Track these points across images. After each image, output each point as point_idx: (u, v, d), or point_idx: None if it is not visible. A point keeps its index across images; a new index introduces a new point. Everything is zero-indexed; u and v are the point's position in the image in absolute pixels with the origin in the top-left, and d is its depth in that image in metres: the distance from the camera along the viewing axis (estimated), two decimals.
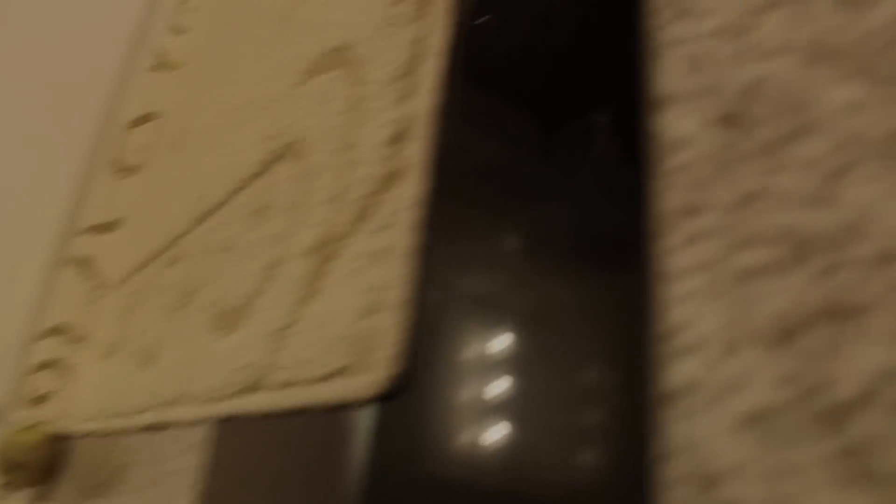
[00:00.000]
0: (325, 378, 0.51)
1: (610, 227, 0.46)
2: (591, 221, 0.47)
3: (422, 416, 0.52)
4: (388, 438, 0.55)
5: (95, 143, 1.60)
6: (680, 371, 0.34)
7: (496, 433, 0.47)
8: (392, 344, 0.47)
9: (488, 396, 0.49)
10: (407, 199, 0.51)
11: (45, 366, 1.39)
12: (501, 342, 0.50)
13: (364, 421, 0.56)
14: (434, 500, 0.51)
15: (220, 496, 0.70)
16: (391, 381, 0.47)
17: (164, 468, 0.81)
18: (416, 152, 0.52)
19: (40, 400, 1.38)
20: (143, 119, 1.56)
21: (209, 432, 0.74)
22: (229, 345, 0.70)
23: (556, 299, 0.46)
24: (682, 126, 0.39)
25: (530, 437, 0.44)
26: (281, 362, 0.59)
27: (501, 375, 0.49)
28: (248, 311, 0.68)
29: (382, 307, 0.48)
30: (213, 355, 0.73)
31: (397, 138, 0.54)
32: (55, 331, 1.41)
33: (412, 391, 0.50)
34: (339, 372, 0.50)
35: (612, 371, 0.41)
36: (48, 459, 1.35)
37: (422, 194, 0.50)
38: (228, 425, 0.73)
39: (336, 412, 0.53)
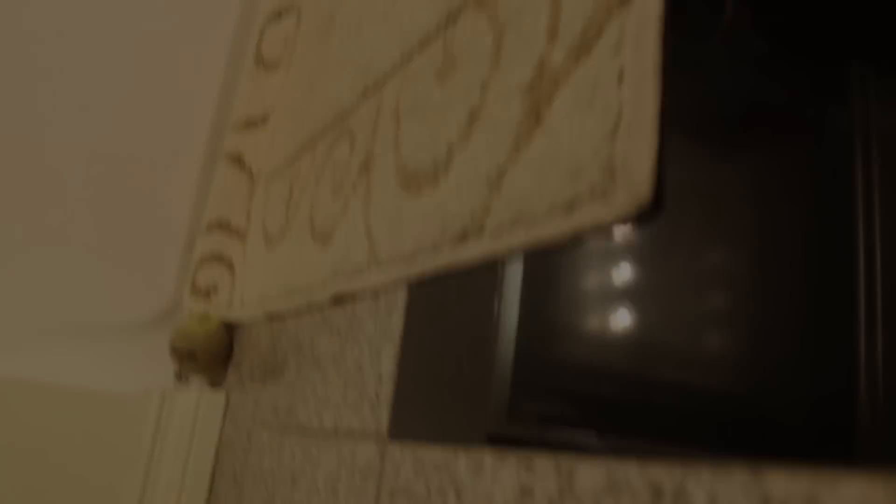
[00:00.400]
0: (563, 210, 0.49)
1: (739, 101, 0.42)
2: (718, 94, 0.43)
3: (554, 302, 0.50)
4: (527, 324, 0.53)
5: (236, 38, 1.61)
6: None
7: (624, 317, 0.45)
8: (642, 164, 0.44)
9: (616, 282, 0.47)
10: (645, 15, 0.47)
11: (211, 258, 1.44)
12: (635, 231, 0.47)
13: (509, 306, 0.55)
14: (568, 381, 0.49)
15: (414, 352, 0.71)
16: (642, 204, 0.44)
17: (363, 331, 0.82)
18: None
19: (209, 291, 1.43)
20: (282, 12, 1.55)
21: (405, 294, 0.75)
22: (427, 202, 0.69)
23: (681, 180, 0.43)
24: None
25: (657, 320, 0.42)
26: (496, 206, 0.57)
27: (628, 260, 0.46)
28: (445, 165, 0.67)
29: (627, 128, 0.46)
30: (405, 216, 0.73)
31: None
32: (217, 224, 1.45)
33: (555, 272, 0.48)
34: (580, 201, 0.48)
35: (738, 253, 0.38)
36: (220, 347, 1.41)
37: (660, 9, 0.47)
38: (418, 288, 0.73)
39: (572, 245, 0.51)
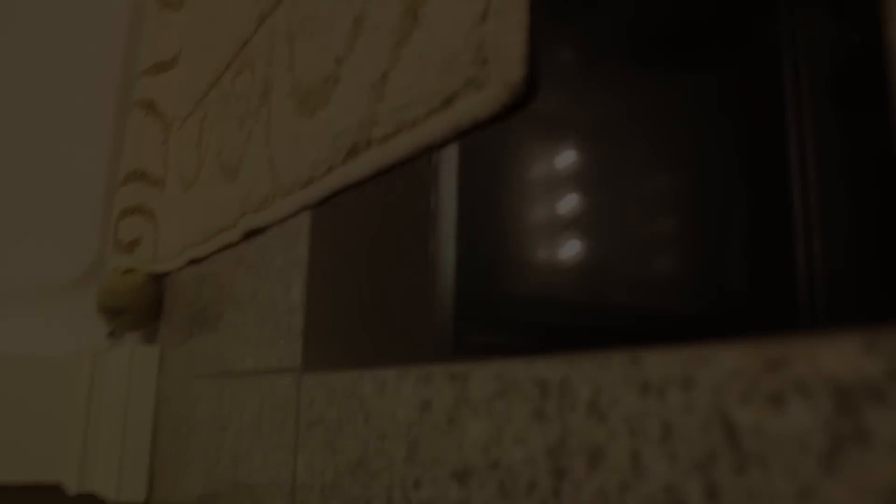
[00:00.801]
0: (442, 107, 0.46)
1: (673, 21, 0.39)
2: (651, 17, 0.40)
3: (497, 237, 0.48)
4: (467, 265, 0.50)
5: None
6: None
7: (570, 248, 0.43)
8: (513, 46, 0.41)
9: (560, 212, 0.45)
10: None
11: (131, 211, 1.39)
12: (568, 157, 0.44)
13: (447, 248, 0.52)
14: (515, 316, 0.47)
15: (325, 278, 0.68)
16: (516, 89, 0.41)
17: (274, 265, 0.79)
18: None
19: (133, 245, 1.39)
20: None
21: (309, 220, 0.71)
22: (318, 121, 0.65)
23: (619, 107, 0.40)
24: None
25: (603, 248, 0.40)
26: (381, 114, 0.54)
27: (571, 191, 0.44)
28: (334, 80, 0.63)
29: (496, 9, 0.42)
30: (302, 138, 0.69)
31: None
32: (135, 175, 1.39)
33: (489, 205, 0.45)
34: (457, 95, 0.45)
35: (682, 176, 0.36)
36: (149, 301, 1.37)
37: None
38: (323, 214, 0.69)
39: (453, 142, 0.48)
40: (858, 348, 0.25)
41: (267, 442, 0.75)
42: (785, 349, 0.27)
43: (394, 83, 0.53)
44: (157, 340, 1.39)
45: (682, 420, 0.30)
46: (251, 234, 0.85)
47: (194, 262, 1.13)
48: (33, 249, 1.48)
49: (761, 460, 0.27)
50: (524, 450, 0.38)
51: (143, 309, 1.37)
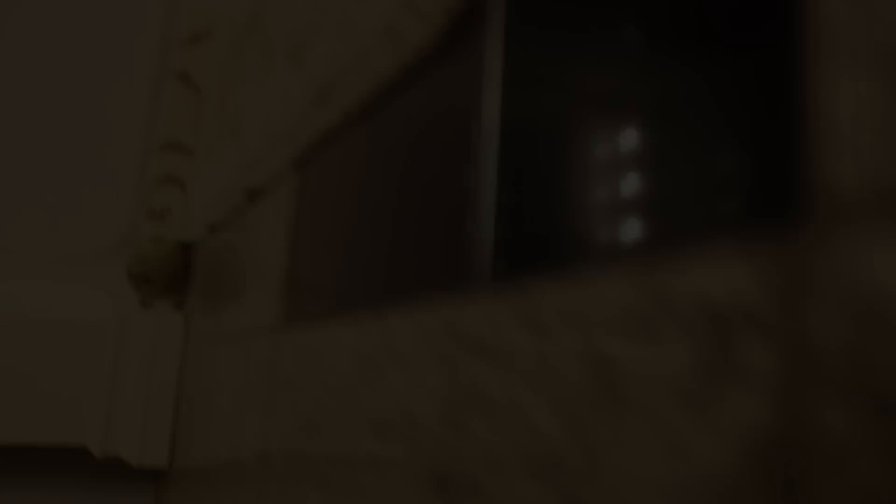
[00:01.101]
0: (388, 40, 0.43)
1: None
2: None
3: (557, 218, 0.44)
4: (518, 240, 0.47)
5: None
6: None
7: (632, 231, 0.40)
8: None
9: (623, 194, 0.41)
10: None
11: (165, 180, 1.39)
12: (631, 138, 0.41)
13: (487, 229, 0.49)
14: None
15: (309, 237, 0.65)
16: (459, 16, 0.38)
17: (269, 225, 0.77)
18: None
19: (164, 214, 1.39)
20: None
21: (296, 178, 0.69)
22: (303, 73, 0.63)
23: (683, 87, 0.37)
24: None
25: (666, 232, 0.36)
26: (343, 58, 0.51)
27: (634, 172, 0.40)
28: (317, 27, 0.61)
29: None
30: (290, 93, 0.67)
31: None
32: (169, 145, 1.40)
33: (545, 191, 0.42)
34: (401, 25, 0.42)
35: (748, 159, 0.32)
36: (177, 269, 1.38)
37: None
38: (312, 171, 0.67)
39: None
40: (737, 263, 0.21)
41: (249, 404, 0.73)
42: (661, 268, 0.23)
43: (355, 23, 0.50)
44: (189, 307, 1.40)
45: (559, 359, 0.27)
46: (251, 195, 0.83)
47: (212, 228, 1.12)
48: (68, 216, 1.50)
49: (629, 402, 0.23)
50: (429, 399, 0.35)
51: (171, 277, 1.37)
